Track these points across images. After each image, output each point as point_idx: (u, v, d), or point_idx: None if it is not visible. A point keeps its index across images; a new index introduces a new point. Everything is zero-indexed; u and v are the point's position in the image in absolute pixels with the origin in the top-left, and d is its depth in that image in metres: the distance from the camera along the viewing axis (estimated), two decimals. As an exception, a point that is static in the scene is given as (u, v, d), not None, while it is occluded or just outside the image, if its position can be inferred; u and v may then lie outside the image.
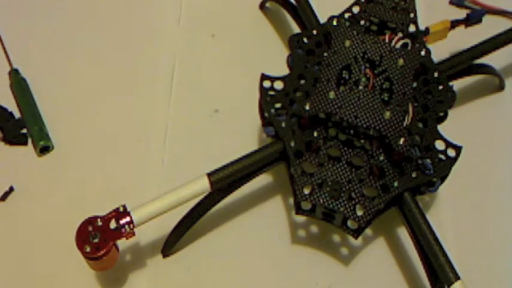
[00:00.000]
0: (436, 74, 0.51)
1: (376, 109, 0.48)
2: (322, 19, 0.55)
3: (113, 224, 0.45)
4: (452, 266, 0.44)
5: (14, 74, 0.60)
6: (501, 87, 0.61)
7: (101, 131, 0.58)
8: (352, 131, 0.48)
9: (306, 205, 0.48)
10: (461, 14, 0.58)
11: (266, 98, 0.50)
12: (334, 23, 0.52)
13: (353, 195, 0.47)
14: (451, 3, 0.66)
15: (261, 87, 0.50)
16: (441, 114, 0.50)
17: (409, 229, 0.47)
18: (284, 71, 0.51)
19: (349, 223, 0.48)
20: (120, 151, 0.57)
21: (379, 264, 0.52)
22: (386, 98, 0.49)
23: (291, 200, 0.53)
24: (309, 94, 0.49)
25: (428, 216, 0.47)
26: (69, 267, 0.50)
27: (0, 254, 0.52)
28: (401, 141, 0.47)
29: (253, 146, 0.55)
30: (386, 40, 0.51)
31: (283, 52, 0.61)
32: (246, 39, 0.64)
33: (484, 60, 0.56)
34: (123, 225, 0.45)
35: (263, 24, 0.65)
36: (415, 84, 0.50)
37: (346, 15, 0.53)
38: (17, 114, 0.59)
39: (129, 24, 0.65)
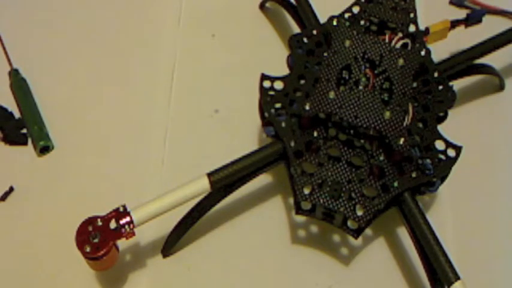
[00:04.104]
0: (436, 74, 0.51)
1: (376, 109, 0.48)
2: (322, 19, 0.55)
3: (113, 224, 0.45)
4: (452, 266, 0.44)
5: (14, 74, 0.60)
6: (501, 87, 0.61)
7: (101, 131, 0.58)
8: (352, 131, 0.48)
9: (306, 205, 0.48)
10: (461, 14, 0.58)
11: (266, 98, 0.50)
12: (334, 23, 0.52)
13: (353, 195, 0.47)
14: (451, 3, 0.66)
15: (261, 87, 0.50)
16: (441, 114, 0.50)
17: (409, 229, 0.47)
18: (284, 71, 0.51)
19: (349, 223, 0.48)
20: (120, 151, 0.57)
21: (379, 264, 0.52)
22: (386, 98, 0.49)
23: (291, 200, 0.53)
24: (309, 94, 0.49)
25: (428, 216, 0.47)
26: (69, 267, 0.50)
27: (0, 254, 0.52)
28: (401, 141, 0.47)
29: (253, 146, 0.55)
30: (387, 40, 0.51)
31: (283, 52, 0.61)
32: (246, 39, 0.64)
33: (484, 60, 0.56)
34: (123, 225, 0.45)
35: (263, 24, 0.65)
36: (415, 84, 0.50)
37: (346, 15, 0.53)
38: (17, 114, 0.59)
39: (129, 24, 0.65)
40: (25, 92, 0.59)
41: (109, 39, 0.64)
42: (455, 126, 0.51)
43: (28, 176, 0.56)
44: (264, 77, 0.51)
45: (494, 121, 0.59)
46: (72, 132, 0.58)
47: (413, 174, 0.47)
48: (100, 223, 0.45)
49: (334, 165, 0.48)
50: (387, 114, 0.47)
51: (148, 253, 0.52)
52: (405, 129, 0.47)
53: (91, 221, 0.45)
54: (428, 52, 0.51)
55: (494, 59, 0.58)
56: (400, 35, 0.52)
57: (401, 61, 0.50)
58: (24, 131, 0.58)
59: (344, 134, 0.48)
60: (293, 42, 0.52)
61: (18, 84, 0.60)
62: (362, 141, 0.48)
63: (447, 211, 0.54)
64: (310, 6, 0.57)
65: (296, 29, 0.60)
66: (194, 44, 0.64)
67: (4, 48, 0.63)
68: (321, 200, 0.47)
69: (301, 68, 0.51)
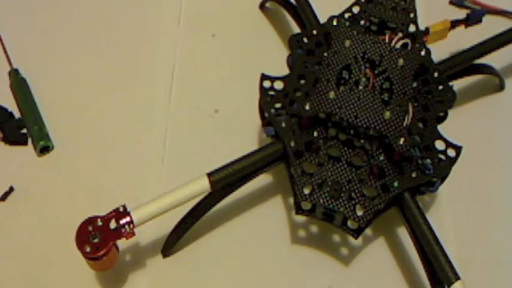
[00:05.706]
0: (436, 74, 0.51)
1: (376, 109, 0.48)
2: (322, 19, 0.55)
3: (113, 224, 0.45)
4: (452, 266, 0.44)
5: (14, 74, 0.60)
6: (501, 87, 0.61)
7: (101, 131, 0.58)
8: (352, 131, 0.48)
9: (306, 205, 0.48)
10: (461, 14, 0.58)
11: (266, 98, 0.50)
12: (334, 23, 0.52)
13: (353, 195, 0.47)
14: (451, 3, 0.66)
15: (261, 87, 0.50)
16: (441, 114, 0.50)
17: (409, 229, 0.47)
18: (284, 71, 0.51)
19: (349, 223, 0.48)
20: (120, 151, 0.57)
21: (379, 264, 0.52)
22: (386, 98, 0.49)
23: (291, 200, 0.53)
24: (309, 94, 0.49)
25: (428, 216, 0.47)
26: (69, 267, 0.50)
27: (0, 254, 0.52)
28: (401, 141, 0.47)
29: (253, 146, 0.55)
30: (387, 40, 0.51)
31: (283, 52, 0.61)
32: (246, 39, 0.64)
33: (484, 60, 0.56)
34: (123, 225, 0.45)
35: (263, 24, 0.65)
36: (415, 84, 0.50)
37: (346, 15, 0.53)
38: (17, 114, 0.59)
39: (129, 24, 0.65)
40: (25, 92, 0.59)
41: (109, 39, 0.64)
42: (455, 126, 0.51)
43: (28, 176, 0.56)
44: (264, 77, 0.51)
45: (494, 121, 0.59)
46: (72, 132, 0.58)
47: (413, 174, 0.47)
48: (100, 223, 0.45)
49: (334, 165, 0.48)
50: (387, 114, 0.47)
51: (148, 253, 0.52)
52: (405, 129, 0.47)
53: (91, 221, 0.45)
54: (428, 52, 0.51)
55: (494, 59, 0.58)
56: (400, 35, 0.52)
57: (401, 61, 0.50)
58: (24, 131, 0.58)
59: (344, 134, 0.48)
60: (293, 42, 0.52)
61: (18, 84, 0.60)
62: (362, 141, 0.48)
63: (447, 211, 0.54)
64: (310, 6, 0.57)
65: (296, 29, 0.60)
66: (194, 44, 0.64)
67: (4, 48, 0.63)
68: (321, 200, 0.47)
69: (301, 68, 0.51)
